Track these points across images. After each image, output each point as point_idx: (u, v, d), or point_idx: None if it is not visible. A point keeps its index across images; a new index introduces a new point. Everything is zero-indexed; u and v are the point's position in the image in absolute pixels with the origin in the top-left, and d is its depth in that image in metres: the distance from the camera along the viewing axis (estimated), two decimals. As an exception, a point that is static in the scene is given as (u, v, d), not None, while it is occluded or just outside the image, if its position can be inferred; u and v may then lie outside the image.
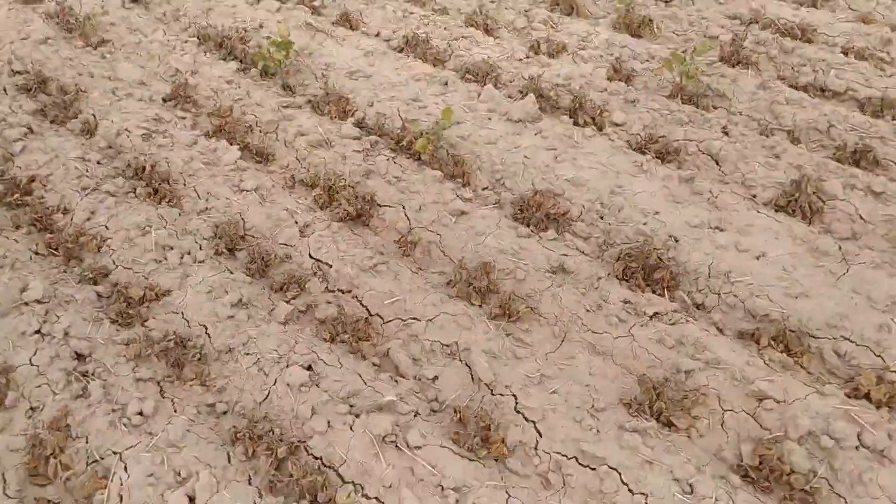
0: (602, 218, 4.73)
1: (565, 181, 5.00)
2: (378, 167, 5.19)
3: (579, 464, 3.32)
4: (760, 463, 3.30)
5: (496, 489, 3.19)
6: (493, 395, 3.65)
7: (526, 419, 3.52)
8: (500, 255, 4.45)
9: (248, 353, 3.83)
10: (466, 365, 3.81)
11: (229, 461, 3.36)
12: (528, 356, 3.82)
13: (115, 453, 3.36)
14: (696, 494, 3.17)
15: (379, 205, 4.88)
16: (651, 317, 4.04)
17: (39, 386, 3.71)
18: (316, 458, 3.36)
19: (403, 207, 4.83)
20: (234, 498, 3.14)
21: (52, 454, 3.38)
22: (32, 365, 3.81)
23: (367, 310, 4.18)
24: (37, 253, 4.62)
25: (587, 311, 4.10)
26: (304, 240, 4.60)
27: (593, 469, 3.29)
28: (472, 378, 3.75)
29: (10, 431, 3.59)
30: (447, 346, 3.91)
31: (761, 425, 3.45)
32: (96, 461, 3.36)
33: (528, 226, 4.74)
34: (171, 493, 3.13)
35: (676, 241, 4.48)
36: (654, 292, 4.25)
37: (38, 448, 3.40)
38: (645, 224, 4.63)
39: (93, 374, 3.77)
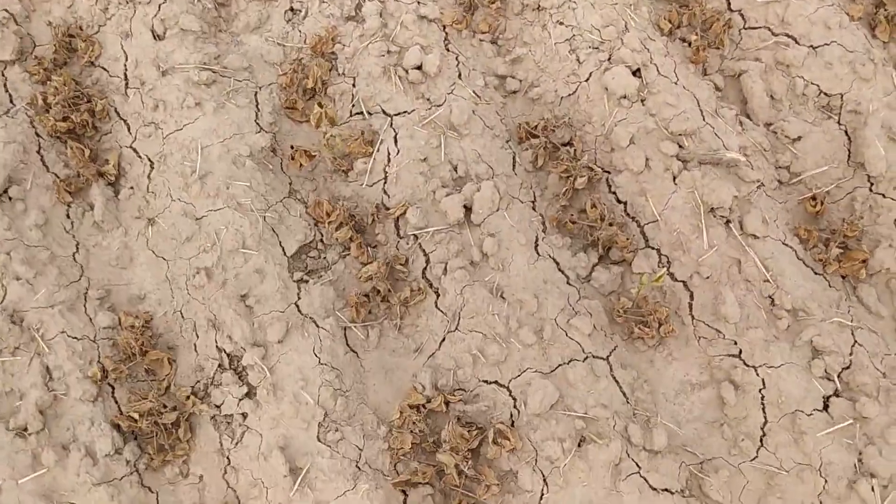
0: None
1: None
2: None
3: (961, 331, 2.45)
4: None
5: (841, 327, 2.41)
6: (871, 191, 2.65)
7: (906, 241, 2.57)
8: (942, -34, 2.96)
9: (561, 22, 2.87)
10: (847, 133, 2.74)
11: (514, 168, 2.68)
12: (938, 149, 2.68)
13: (385, 114, 2.73)
14: None
15: None
16: None
17: (304, -18, 2.98)
18: (619, 202, 2.63)
19: None
20: (517, 225, 2.52)
21: (313, 86, 2.79)
22: (299, -50, 3.03)
23: (728, 1, 2.98)
24: None
25: None
26: None
27: (980, 346, 2.43)
28: (850, 155, 2.71)
29: (266, 31, 2.99)
30: (828, 96, 2.79)
31: None
32: (361, 114, 2.76)
33: None
34: (445, 197, 2.53)
35: None
36: None
37: (298, 73, 2.80)
38: None
39: (368, -11, 2.97)
